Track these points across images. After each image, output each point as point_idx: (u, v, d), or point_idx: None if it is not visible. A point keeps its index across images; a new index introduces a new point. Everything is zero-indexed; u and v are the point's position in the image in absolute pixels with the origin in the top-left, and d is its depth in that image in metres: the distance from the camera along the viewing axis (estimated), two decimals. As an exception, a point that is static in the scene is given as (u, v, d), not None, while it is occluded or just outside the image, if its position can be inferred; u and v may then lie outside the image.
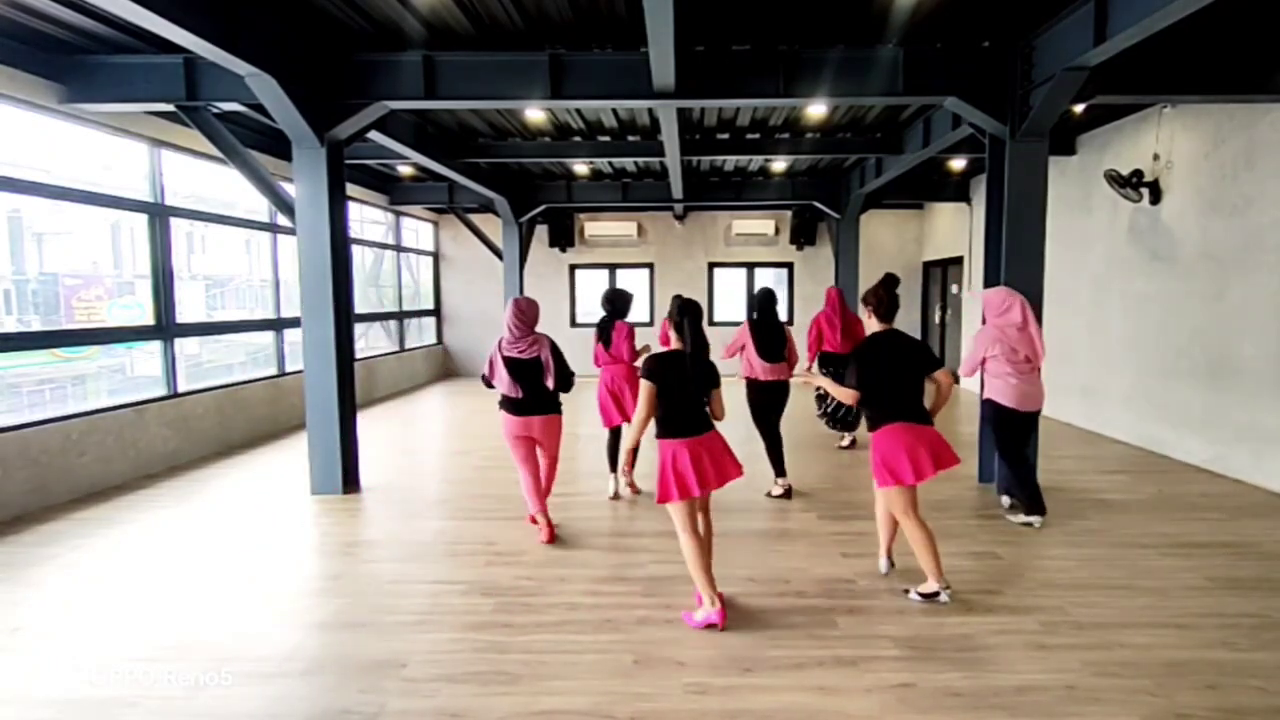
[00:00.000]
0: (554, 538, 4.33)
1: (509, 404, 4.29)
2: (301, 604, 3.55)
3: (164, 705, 2.65)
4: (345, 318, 5.47)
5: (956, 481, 5.59)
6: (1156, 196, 6.60)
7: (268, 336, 8.25)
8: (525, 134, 7.96)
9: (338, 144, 5.33)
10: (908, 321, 12.79)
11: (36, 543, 4.38)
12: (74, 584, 3.76)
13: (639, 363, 3.73)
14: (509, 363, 4.21)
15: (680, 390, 3.22)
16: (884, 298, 3.52)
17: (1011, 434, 4.52)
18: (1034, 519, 4.53)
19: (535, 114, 6.89)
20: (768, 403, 5.27)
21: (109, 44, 5.11)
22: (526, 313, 4.26)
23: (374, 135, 6.24)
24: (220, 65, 4.47)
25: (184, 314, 6.73)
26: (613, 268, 13.27)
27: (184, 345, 6.77)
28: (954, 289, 11.42)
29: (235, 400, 7.22)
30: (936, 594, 3.42)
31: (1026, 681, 2.75)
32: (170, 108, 5.44)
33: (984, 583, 3.70)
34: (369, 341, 11.24)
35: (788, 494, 5.27)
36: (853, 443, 6.84)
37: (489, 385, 4.39)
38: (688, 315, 3.27)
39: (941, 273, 12.00)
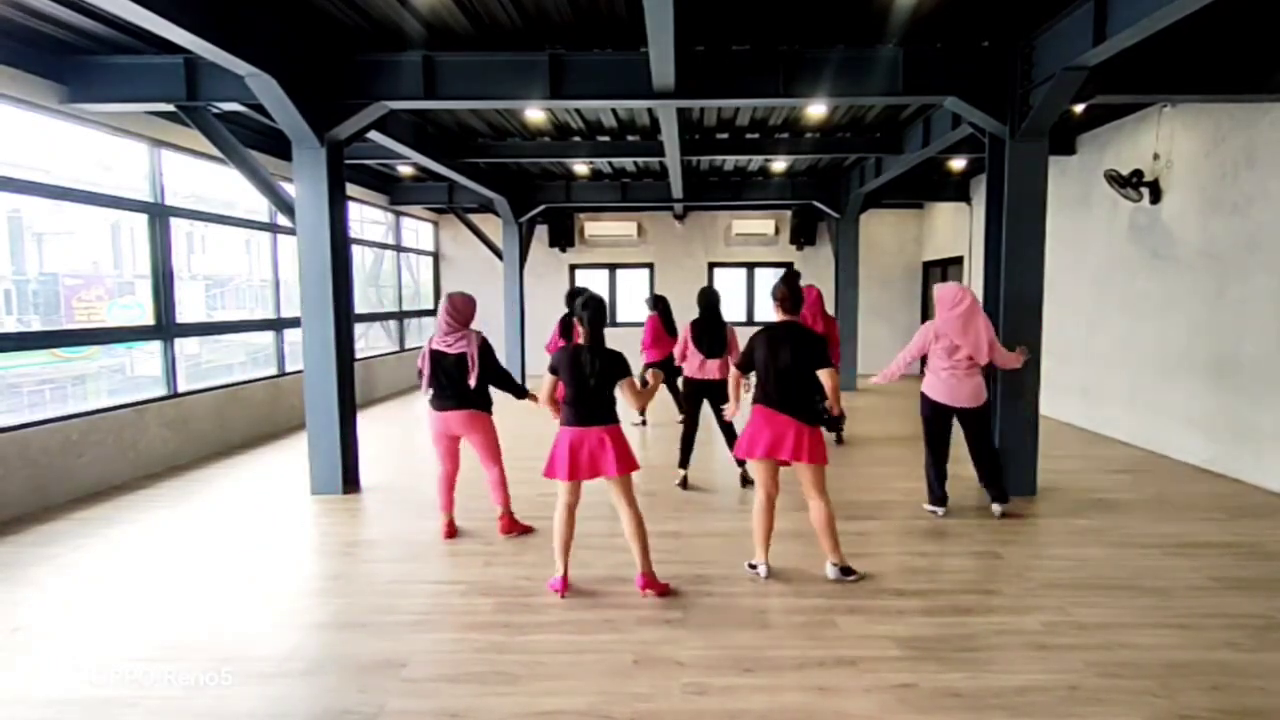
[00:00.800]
0: (452, 534, 4.41)
1: (431, 399, 4.30)
2: (301, 604, 3.55)
3: (164, 705, 2.65)
4: (345, 318, 5.47)
5: (956, 481, 5.58)
6: (1156, 196, 6.60)
7: (268, 336, 8.25)
8: (525, 134, 7.96)
9: (338, 144, 5.33)
10: (908, 321, 12.80)
11: (36, 543, 4.37)
12: (74, 584, 3.75)
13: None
14: (434, 356, 4.22)
15: (580, 382, 3.43)
16: (788, 293, 3.69)
17: (934, 425, 4.71)
18: (937, 509, 4.77)
19: (535, 114, 6.89)
20: (694, 396, 5.55)
21: (109, 44, 5.11)
22: (460, 309, 4.26)
23: (374, 135, 6.24)
24: (220, 65, 4.46)
25: (184, 314, 6.73)
26: (613, 268, 13.27)
27: (184, 345, 6.76)
28: (954, 289, 11.40)
29: (235, 400, 7.22)
30: (756, 567, 3.76)
31: (1028, 682, 2.75)
32: (170, 108, 5.44)
33: (985, 583, 3.70)
34: (369, 341, 11.24)
35: (683, 484, 5.47)
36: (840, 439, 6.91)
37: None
38: (589, 310, 3.48)
39: (941, 273, 11.99)
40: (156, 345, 6.37)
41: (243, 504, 5.21)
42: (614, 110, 6.93)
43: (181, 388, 6.53)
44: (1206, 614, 3.32)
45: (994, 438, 4.95)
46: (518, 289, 11.12)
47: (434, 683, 2.78)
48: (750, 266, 13.18)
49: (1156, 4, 3.57)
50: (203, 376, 7.44)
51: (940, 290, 4.68)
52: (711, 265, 13.16)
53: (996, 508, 4.73)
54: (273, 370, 8.14)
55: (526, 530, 4.51)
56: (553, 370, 3.54)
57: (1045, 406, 5.45)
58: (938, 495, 4.78)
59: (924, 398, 4.73)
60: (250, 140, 6.84)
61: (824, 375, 3.60)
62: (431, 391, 4.30)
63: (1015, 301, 5.12)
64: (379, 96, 5.26)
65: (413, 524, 4.68)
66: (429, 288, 13.15)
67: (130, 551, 4.24)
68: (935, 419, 4.70)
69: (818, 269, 12.81)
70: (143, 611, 3.43)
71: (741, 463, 5.31)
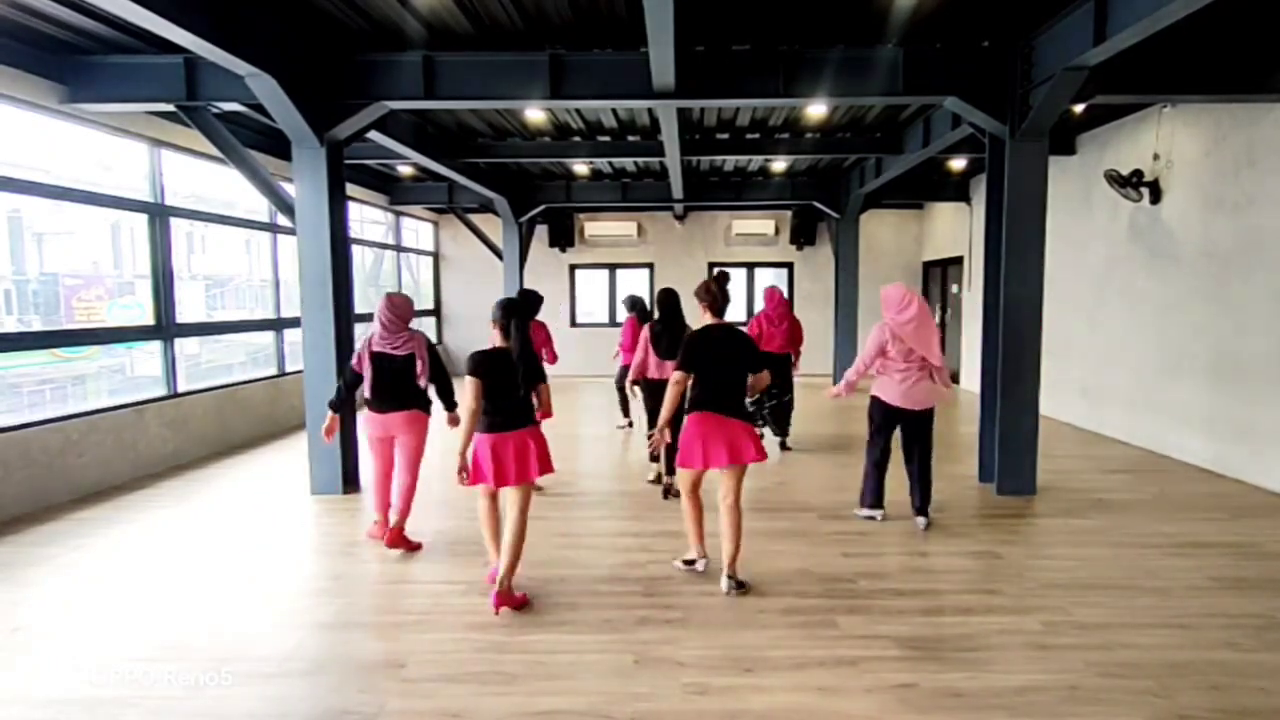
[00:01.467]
0: (386, 535, 4.18)
1: (371, 401, 4.19)
2: (301, 604, 3.55)
3: (164, 705, 2.65)
4: (345, 318, 5.47)
5: (957, 481, 5.59)
6: (1157, 196, 6.60)
7: (268, 336, 8.25)
8: (525, 134, 7.96)
9: (338, 144, 5.33)
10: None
11: (36, 543, 4.37)
12: (74, 584, 3.75)
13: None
14: (377, 358, 4.12)
15: (503, 387, 3.39)
16: (715, 293, 3.65)
17: (886, 430, 4.52)
18: (876, 513, 4.64)
19: (535, 114, 6.89)
20: (654, 398, 5.32)
21: (109, 44, 5.11)
22: (400, 308, 4.20)
23: (374, 135, 6.24)
24: (220, 65, 4.46)
25: (184, 314, 6.73)
26: (613, 268, 13.27)
27: (184, 345, 6.76)
28: (954, 289, 11.41)
29: (235, 400, 7.22)
30: (694, 562, 3.76)
31: (1028, 682, 2.74)
32: (170, 108, 5.43)
33: (985, 583, 3.70)
34: (369, 342, 11.22)
35: (657, 480, 5.47)
36: (785, 445, 6.78)
37: (351, 386, 4.25)
38: (513, 316, 3.45)
39: (941, 273, 12.00)
40: (156, 345, 6.37)
41: (243, 504, 5.21)
42: (614, 110, 6.93)
43: (181, 388, 6.53)
44: (1206, 614, 3.31)
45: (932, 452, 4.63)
46: (518, 289, 11.10)
47: (434, 683, 2.77)
48: (750, 266, 13.17)
49: (1156, 4, 3.57)
50: (203, 376, 7.43)
51: (887, 291, 4.47)
52: (711, 265, 13.16)
53: (921, 520, 4.49)
54: (273, 370, 8.15)
55: (415, 548, 4.24)
56: (475, 373, 3.36)
57: (1045, 406, 5.45)
58: (877, 500, 4.64)
59: (877, 401, 4.50)
60: (250, 140, 6.83)
61: (756, 379, 3.61)
62: (371, 394, 4.16)
63: (1015, 301, 5.12)
64: (379, 96, 5.26)
65: (412, 524, 4.65)
66: (429, 288, 13.15)
67: (130, 551, 4.24)
68: (887, 424, 4.50)
69: (818, 269, 12.82)
70: (143, 611, 3.43)
71: (671, 472, 5.00)
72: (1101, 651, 2.97)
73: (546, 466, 3.49)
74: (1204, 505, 4.98)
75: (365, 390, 4.17)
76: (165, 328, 6.33)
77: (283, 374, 8.14)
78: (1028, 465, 5.20)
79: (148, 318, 6.30)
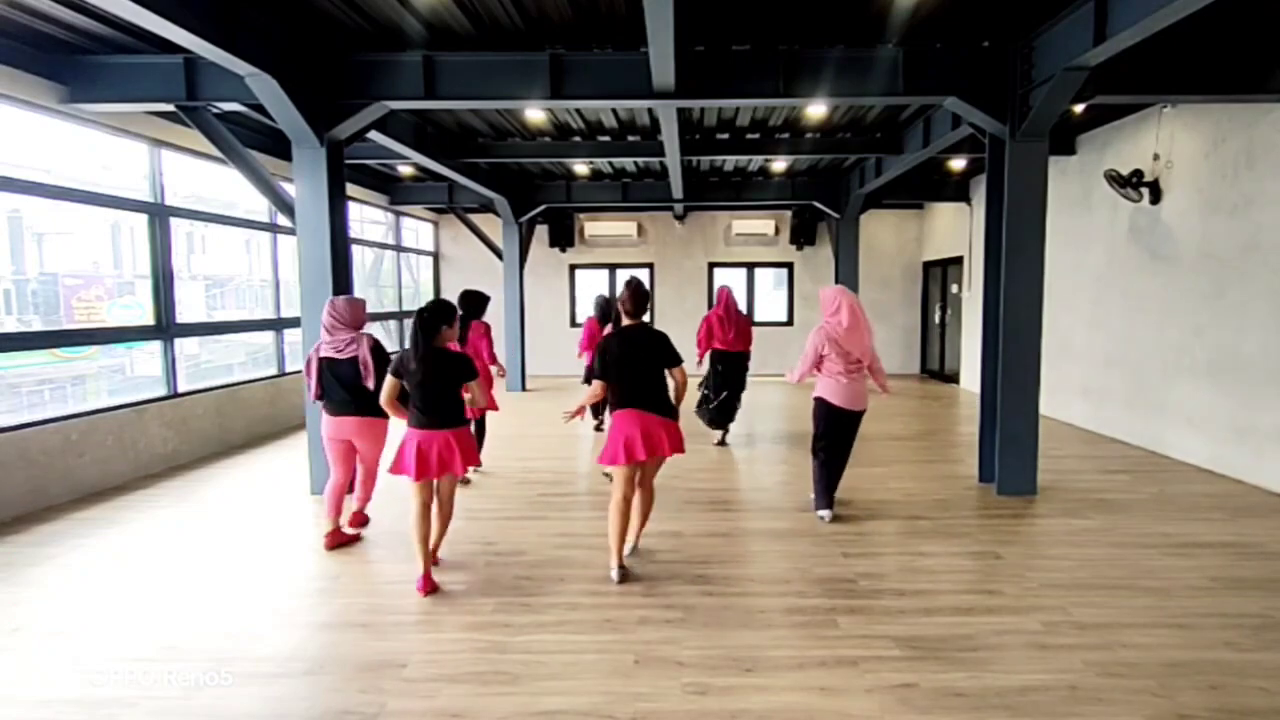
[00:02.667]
0: (336, 545, 4.24)
1: (326, 405, 4.21)
2: (301, 604, 3.55)
3: (164, 705, 2.65)
4: (345, 318, 5.46)
5: (956, 481, 5.60)
6: (1156, 196, 6.60)
7: (268, 336, 8.25)
8: (525, 134, 7.95)
9: (338, 144, 5.33)
10: (907, 321, 12.82)
11: (36, 543, 4.37)
12: (74, 584, 3.75)
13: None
14: (325, 363, 4.14)
15: (428, 385, 3.56)
16: (632, 298, 3.79)
17: (834, 431, 4.60)
18: (825, 514, 4.68)
19: (535, 114, 6.89)
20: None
21: (109, 44, 5.11)
22: (342, 311, 4.21)
23: (374, 135, 6.24)
24: (220, 65, 4.46)
25: (184, 314, 6.73)
26: (613, 268, 13.27)
27: (184, 345, 6.76)
28: (954, 289, 11.42)
29: (235, 400, 7.22)
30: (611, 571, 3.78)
31: (1029, 682, 2.75)
32: (170, 108, 5.43)
33: (985, 583, 3.70)
34: (369, 342, 11.21)
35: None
36: (723, 441, 7.03)
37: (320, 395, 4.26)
38: (421, 329, 3.57)
39: (941, 273, 12.00)
40: (156, 345, 6.37)
41: (243, 504, 5.20)
42: (614, 110, 6.93)
43: (181, 388, 6.52)
44: (1206, 614, 3.32)
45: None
46: (518, 289, 11.12)
47: (434, 683, 2.77)
48: (750, 267, 13.17)
49: (1156, 4, 3.57)
50: (203, 376, 7.44)
51: (823, 293, 4.65)
52: (712, 265, 13.17)
53: (826, 513, 4.65)
54: (273, 370, 8.14)
55: (354, 540, 4.39)
56: (396, 373, 3.60)
57: (1045, 406, 5.46)
58: (828, 500, 4.69)
59: (821, 402, 4.57)
60: (250, 140, 6.84)
61: (678, 372, 3.76)
62: (322, 399, 4.21)
63: (1015, 301, 5.12)
64: (379, 96, 5.26)
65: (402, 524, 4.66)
66: (429, 288, 13.15)
67: (130, 551, 4.24)
68: (836, 424, 4.57)
69: (818, 269, 12.82)
70: (142, 611, 3.43)
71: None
72: (1102, 651, 2.98)
73: (467, 465, 3.68)
74: (1204, 505, 4.98)
75: (312, 397, 4.24)
76: (165, 328, 6.33)
77: (283, 374, 8.13)
78: (1028, 465, 5.20)
79: (148, 318, 6.30)
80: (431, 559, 3.75)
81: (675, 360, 3.75)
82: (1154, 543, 4.24)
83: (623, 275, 13.24)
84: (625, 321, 3.82)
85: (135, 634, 3.19)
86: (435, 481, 3.68)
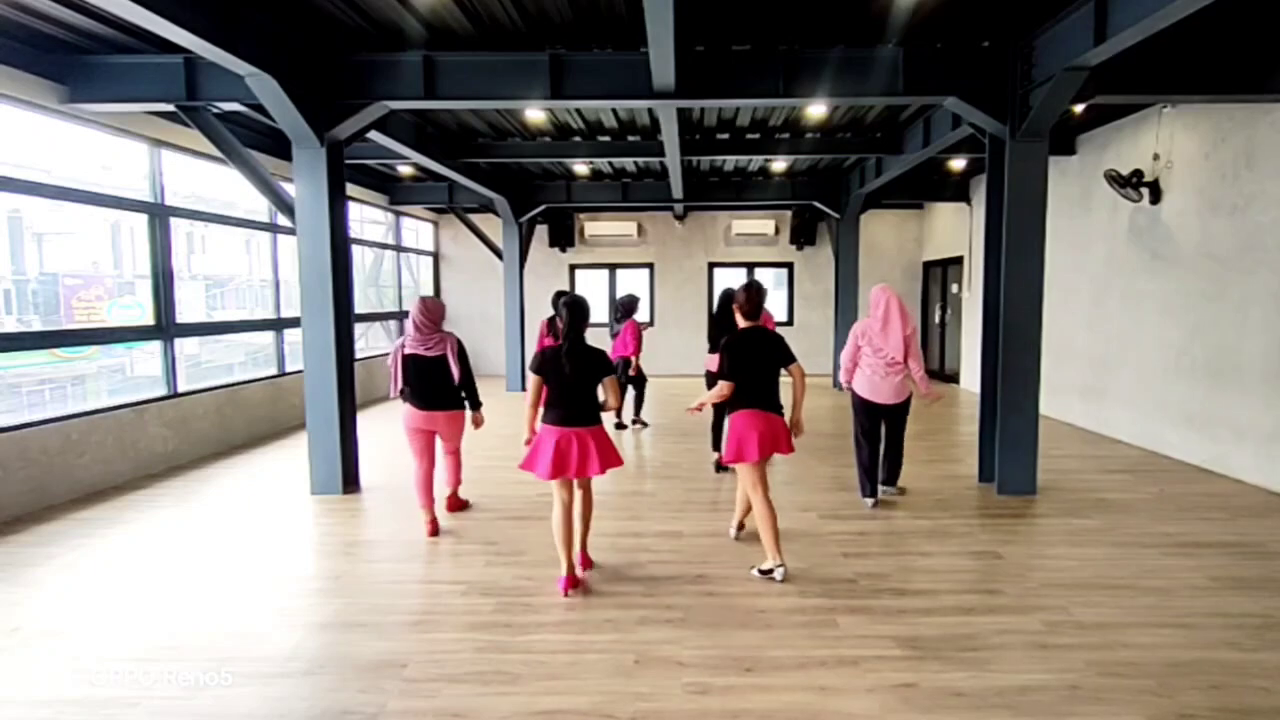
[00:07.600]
0: (436, 531, 4.49)
1: (413, 398, 4.43)
2: (301, 604, 3.55)
3: (164, 705, 2.64)
4: (345, 318, 5.46)
5: (957, 481, 5.60)
6: (1156, 196, 6.60)
7: (268, 336, 8.24)
8: (525, 134, 7.95)
9: (338, 144, 5.33)
10: (908, 322, 12.79)
11: (36, 543, 4.37)
12: (74, 584, 3.75)
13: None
14: (413, 360, 4.36)
15: (574, 382, 3.55)
16: (744, 300, 3.85)
17: (864, 421, 4.92)
18: (868, 501, 4.97)
19: (535, 114, 6.89)
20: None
21: (109, 44, 5.11)
22: (432, 311, 4.45)
23: (374, 135, 6.23)
24: (220, 65, 4.46)
25: (184, 314, 6.72)
26: (613, 268, 13.26)
27: (184, 345, 6.76)
28: (954, 289, 11.42)
29: (235, 400, 7.22)
30: (771, 571, 3.69)
31: (1029, 681, 2.74)
32: (170, 108, 5.43)
33: (985, 582, 3.70)
34: (369, 341, 11.23)
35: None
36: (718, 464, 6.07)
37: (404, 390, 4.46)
38: (571, 324, 3.62)
39: (941, 273, 12.00)
40: (156, 345, 6.37)
41: (243, 504, 5.20)
42: (614, 110, 6.92)
43: (181, 388, 6.52)
44: (1206, 614, 3.32)
45: (903, 436, 5.15)
46: (518, 289, 11.11)
47: (434, 683, 2.77)
48: (750, 267, 13.17)
49: (1157, 4, 3.57)
50: (203, 376, 7.43)
51: (872, 293, 4.92)
52: (712, 265, 13.16)
53: (886, 489, 5.14)
54: (273, 370, 8.14)
55: (465, 505, 4.96)
56: (536, 371, 3.59)
57: (1045, 406, 5.46)
58: (868, 489, 4.98)
59: (854, 395, 4.94)
60: (250, 140, 6.83)
61: (795, 368, 3.85)
62: (407, 392, 4.43)
63: (1015, 301, 5.12)
64: (379, 96, 5.26)
65: (413, 524, 4.67)
66: (429, 288, 13.14)
67: (130, 551, 4.23)
68: (865, 414, 4.90)
69: (818, 269, 12.82)
70: (143, 611, 3.43)
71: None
72: (1102, 651, 2.97)
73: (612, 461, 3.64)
74: (1204, 505, 4.98)
75: (393, 390, 4.44)
76: (165, 328, 6.33)
77: (283, 374, 8.13)
78: (1028, 465, 5.20)
79: (148, 318, 6.30)
80: (582, 560, 3.82)
81: (792, 358, 3.84)
82: (1155, 542, 4.24)
83: (623, 275, 13.26)
84: (742, 324, 3.87)
85: (136, 634, 3.19)
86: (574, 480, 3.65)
